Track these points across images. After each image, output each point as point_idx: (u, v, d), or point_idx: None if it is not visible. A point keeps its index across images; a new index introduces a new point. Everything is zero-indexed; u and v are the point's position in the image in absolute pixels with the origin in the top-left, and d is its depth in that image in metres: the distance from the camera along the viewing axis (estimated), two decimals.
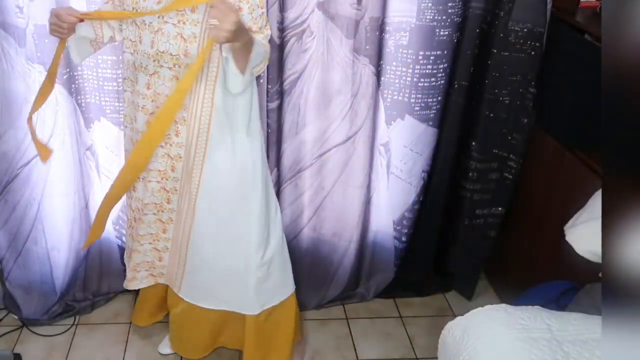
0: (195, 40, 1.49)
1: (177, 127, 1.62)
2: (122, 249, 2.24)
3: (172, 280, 1.85)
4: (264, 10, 1.55)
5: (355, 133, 2.07)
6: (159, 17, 1.49)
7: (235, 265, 1.76)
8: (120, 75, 1.93)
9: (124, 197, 1.84)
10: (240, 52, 1.46)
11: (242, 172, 1.68)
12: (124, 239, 2.22)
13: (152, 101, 1.60)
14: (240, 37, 1.40)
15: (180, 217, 1.73)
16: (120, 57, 1.90)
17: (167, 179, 1.70)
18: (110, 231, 2.21)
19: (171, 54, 1.51)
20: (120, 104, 1.98)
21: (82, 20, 1.54)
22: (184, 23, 1.48)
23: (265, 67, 1.65)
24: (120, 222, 2.19)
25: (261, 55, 1.53)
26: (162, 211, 1.75)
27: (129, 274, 1.87)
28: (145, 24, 1.51)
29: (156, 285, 1.92)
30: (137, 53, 1.55)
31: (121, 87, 1.95)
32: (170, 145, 1.64)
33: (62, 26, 1.50)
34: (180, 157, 1.65)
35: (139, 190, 1.74)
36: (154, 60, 1.53)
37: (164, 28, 1.49)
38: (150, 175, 1.69)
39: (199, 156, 1.63)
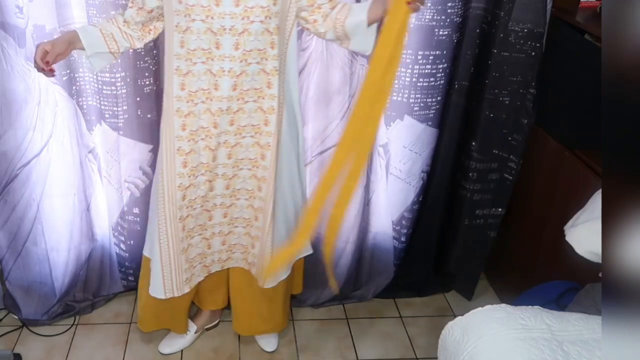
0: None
1: (266, 117, 1.66)
2: (120, 256, 2.24)
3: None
4: None
5: None
6: None
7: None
8: (120, 79, 1.92)
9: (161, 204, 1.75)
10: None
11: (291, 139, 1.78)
12: (122, 245, 2.22)
13: (241, 61, 1.57)
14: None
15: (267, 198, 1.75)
16: (121, 59, 1.90)
17: (257, 167, 1.73)
18: (110, 236, 2.21)
19: (262, 6, 1.51)
20: (119, 109, 1.98)
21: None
22: None
23: None
24: (119, 228, 2.18)
25: None
26: (207, 200, 1.76)
27: (184, 275, 1.83)
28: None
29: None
30: (213, 17, 1.52)
31: (120, 91, 1.94)
32: (260, 134, 1.68)
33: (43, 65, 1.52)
34: (269, 145, 1.69)
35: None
36: (242, 19, 1.52)
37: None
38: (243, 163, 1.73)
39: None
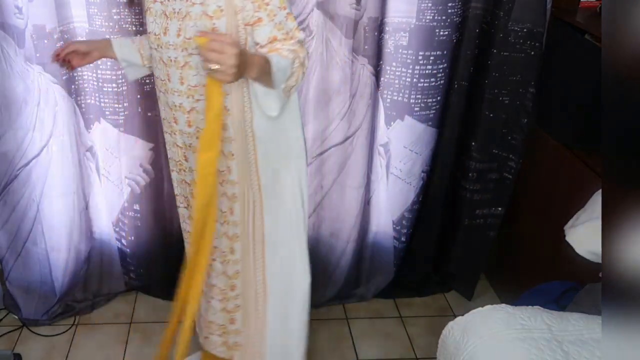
0: (221, 13, 1.30)
1: (229, 164, 1.47)
2: (122, 251, 2.25)
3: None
4: (289, 10, 1.34)
5: (353, 133, 2.07)
6: (186, 1, 1.32)
7: None
8: (121, 76, 1.93)
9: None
10: (259, 78, 1.29)
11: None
12: (123, 241, 2.22)
13: (188, 97, 1.41)
14: (250, 66, 1.22)
15: (248, 262, 1.60)
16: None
17: (227, 224, 1.55)
18: (110, 234, 2.21)
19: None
20: (120, 105, 1.98)
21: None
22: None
23: (302, 79, 1.39)
24: (120, 224, 2.19)
25: (286, 69, 1.30)
26: (228, 262, 1.60)
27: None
28: (174, 12, 1.34)
29: None
30: (162, 47, 1.40)
31: (121, 89, 1.95)
32: (222, 184, 1.49)
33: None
34: (236, 197, 1.51)
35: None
36: (182, 50, 1.37)
37: (191, 11, 1.32)
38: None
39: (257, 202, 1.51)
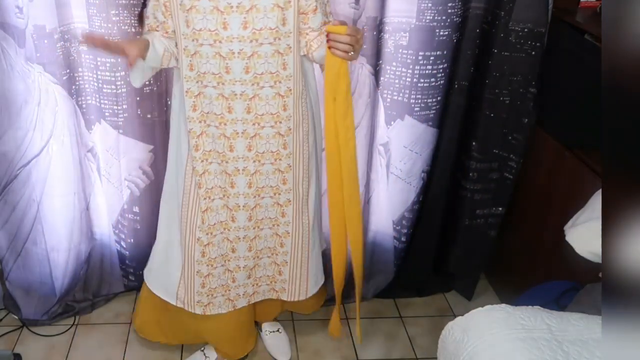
0: (290, 4, 1.49)
1: (285, 140, 1.64)
2: (121, 254, 2.25)
3: (296, 290, 1.87)
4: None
5: None
6: (251, 41, 1.49)
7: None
8: (120, 78, 1.92)
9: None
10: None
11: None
12: (123, 243, 2.22)
13: (253, 84, 1.54)
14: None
15: (297, 223, 1.76)
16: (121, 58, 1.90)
17: (279, 194, 1.71)
18: (110, 235, 2.21)
19: (270, 28, 1.48)
20: (119, 107, 1.98)
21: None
22: (279, 39, 1.51)
23: None
24: (120, 226, 2.19)
25: None
26: (229, 230, 1.73)
27: (196, 297, 1.80)
28: (231, 6, 1.45)
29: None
30: (221, 41, 1.49)
31: (120, 90, 1.95)
32: (280, 159, 1.66)
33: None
34: (290, 167, 1.68)
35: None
36: (251, 41, 1.49)
37: (258, 3, 1.46)
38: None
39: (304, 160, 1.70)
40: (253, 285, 1.84)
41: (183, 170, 1.69)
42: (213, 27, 1.47)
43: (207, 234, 1.71)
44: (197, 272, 1.76)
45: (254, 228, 1.74)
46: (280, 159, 1.66)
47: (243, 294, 1.83)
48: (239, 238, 1.73)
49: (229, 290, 1.81)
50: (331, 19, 1.62)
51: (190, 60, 1.54)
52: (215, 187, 1.67)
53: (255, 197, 1.69)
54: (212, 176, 1.66)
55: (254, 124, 1.59)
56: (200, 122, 1.60)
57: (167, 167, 1.79)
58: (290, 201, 1.72)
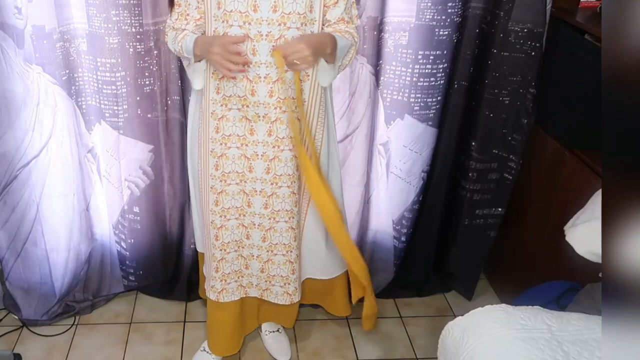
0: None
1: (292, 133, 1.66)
2: (121, 254, 2.24)
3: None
4: (354, 0, 1.66)
5: (352, 132, 2.08)
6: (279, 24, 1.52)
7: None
8: (120, 78, 1.92)
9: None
10: (330, 53, 1.56)
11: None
12: (123, 243, 2.22)
13: (276, 108, 1.60)
14: (323, 45, 1.52)
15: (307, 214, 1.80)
16: (121, 58, 1.90)
17: (295, 184, 1.73)
18: (110, 235, 2.21)
19: (299, 13, 1.53)
20: (119, 108, 1.98)
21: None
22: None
23: (352, 60, 1.70)
24: (120, 226, 2.19)
25: (346, 47, 1.61)
26: (244, 215, 1.75)
27: (210, 281, 1.83)
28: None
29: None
30: (250, 23, 1.52)
31: (120, 91, 1.95)
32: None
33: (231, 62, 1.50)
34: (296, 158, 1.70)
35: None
36: (279, 25, 1.53)
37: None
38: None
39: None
40: (266, 281, 1.85)
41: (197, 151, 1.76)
42: (244, 9, 1.51)
43: (220, 216, 1.74)
44: (212, 255, 1.78)
45: (269, 218, 1.75)
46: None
47: (256, 285, 1.86)
48: (254, 224, 1.75)
49: (242, 277, 1.84)
50: (356, 21, 1.68)
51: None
52: (232, 172, 1.69)
53: (272, 184, 1.70)
54: (230, 160, 1.68)
55: (275, 108, 1.61)
56: (222, 105, 1.63)
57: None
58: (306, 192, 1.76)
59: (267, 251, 1.80)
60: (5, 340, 2.10)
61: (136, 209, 2.15)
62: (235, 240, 1.78)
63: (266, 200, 1.72)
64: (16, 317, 2.17)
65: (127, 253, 2.24)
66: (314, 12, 1.56)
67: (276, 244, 1.79)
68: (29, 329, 2.14)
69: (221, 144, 1.67)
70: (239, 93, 1.60)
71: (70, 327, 2.17)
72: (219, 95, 1.63)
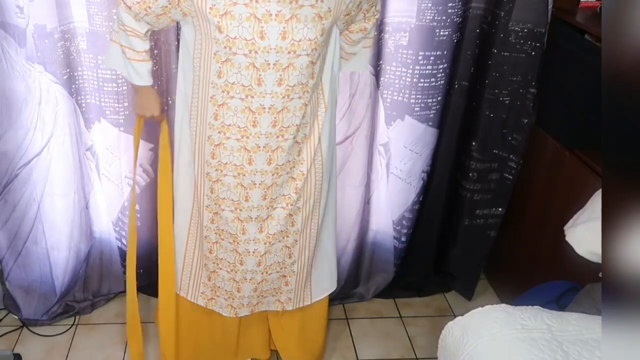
0: (330, 13, 1.42)
1: (300, 147, 1.58)
2: (122, 251, 2.24)
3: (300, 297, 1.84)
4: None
5: (353, 133, 2.08)
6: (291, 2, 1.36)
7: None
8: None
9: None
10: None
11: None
12: (124, 240, 2.22)
13: (284, 97, 1.46)
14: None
15: (305, 232, 1.72)
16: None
17: (291, 205, 1.66)
18: (110, 232, 2.21)
19: (309, 39, 1.40)
20: (120, 105, 1.98)
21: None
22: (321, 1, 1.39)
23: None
24: (120, 224, 2.19)
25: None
26: (238, 243, 1.67)
27: (200, 287, 1.78)
28: (270, 14, 1.36)
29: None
30: (257, 52, 1.39)
31: (121, 88, 1.95)
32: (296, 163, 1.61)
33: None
34: (302, 175, 1.62)
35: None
36: (288, 53, 1.40)
37: (299, 13, 1.37)
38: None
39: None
40: (258, 297, 1.78)
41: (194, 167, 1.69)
42: (249, 36, 1.37)
43: (215, 233, 1.68)
44: (205, 265, 1.74)
45: (265, 243, 1.66)
46: (294, 167, 1.61)
47: (247, 304, 1.78)
48: (249, 252, 1.66)
49: (233, 299, 1.76)
50: (376, 16, 1.63)
51: (219, 67, 1.43)
52: (227, 199, 1.60)
53: (267, 208, 1.61)
54: (225, 187, 1.60)
55: (277, 137, 1.51)
56: (219, 132, 1.51)
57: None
58: (300, 209, 1.66)
59: (262, 273, 1.71)
60: (5, 340, 2.10)
61: (137, 207, 2.15)
62: (230, 262, 1.70)
63: (260, 225, 1.64)
64: (16, 317, 2.17)
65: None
66: (324, 35, 1.43)
67: (271, 264, 1.71)
68: (29, 329, 2.14)
69: (216, 170, 1.59)
70: (239, 123, 1.49)
71: (70, 327, 2.17)
72: (217, 122, 1.51)
